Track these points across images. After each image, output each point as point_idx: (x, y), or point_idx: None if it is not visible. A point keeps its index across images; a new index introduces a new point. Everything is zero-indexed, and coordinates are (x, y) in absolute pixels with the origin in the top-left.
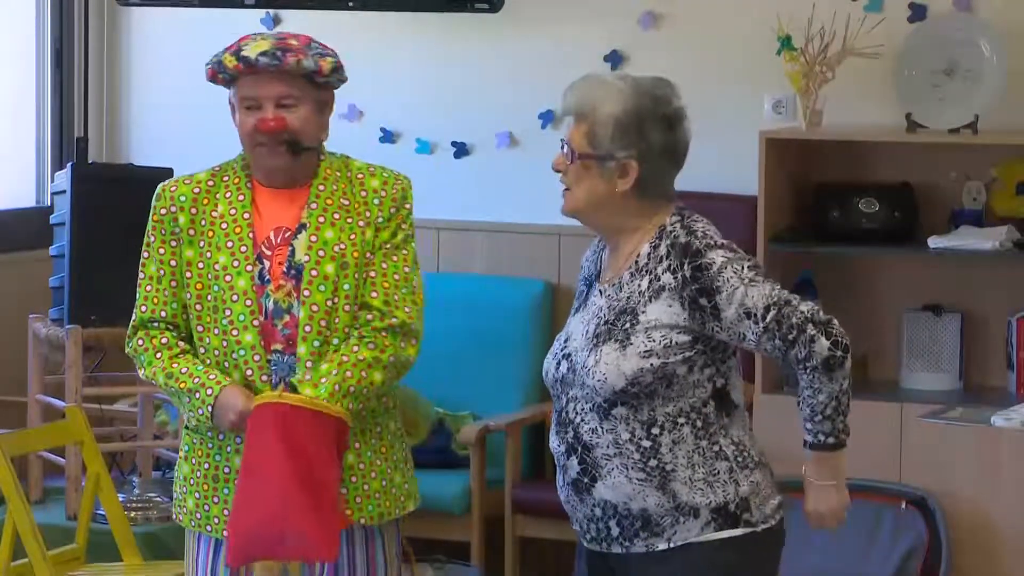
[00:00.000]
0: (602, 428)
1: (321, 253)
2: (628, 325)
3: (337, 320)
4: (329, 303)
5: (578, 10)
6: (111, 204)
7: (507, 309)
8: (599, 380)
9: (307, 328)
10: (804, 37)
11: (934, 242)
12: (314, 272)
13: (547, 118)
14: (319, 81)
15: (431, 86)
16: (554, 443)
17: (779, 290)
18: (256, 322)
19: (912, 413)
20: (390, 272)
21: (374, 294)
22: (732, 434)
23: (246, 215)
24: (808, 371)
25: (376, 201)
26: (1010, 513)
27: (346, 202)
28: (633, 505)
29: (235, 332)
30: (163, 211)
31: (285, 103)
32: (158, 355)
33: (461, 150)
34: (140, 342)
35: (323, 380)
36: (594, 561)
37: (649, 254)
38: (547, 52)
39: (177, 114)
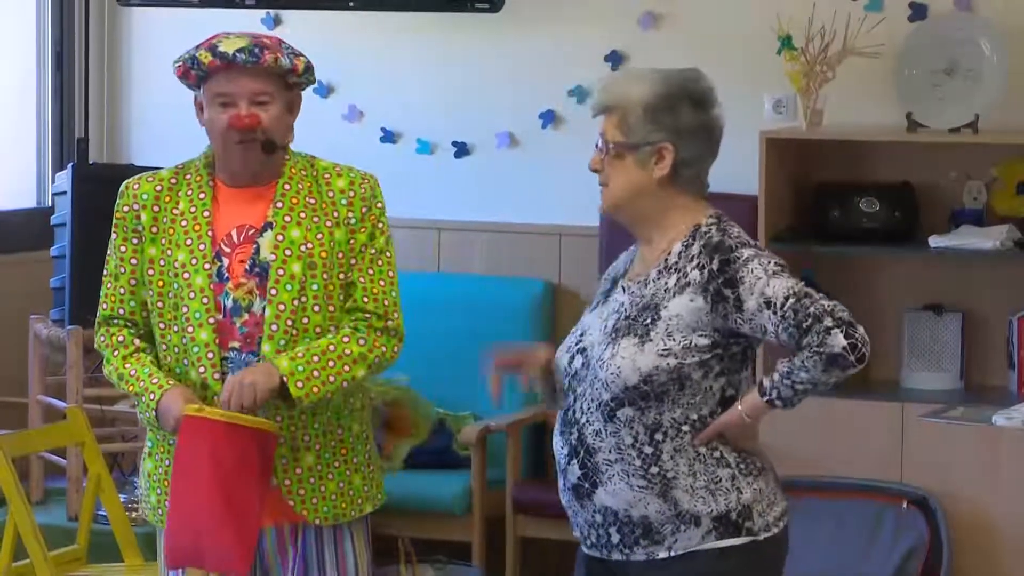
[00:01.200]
0: (606, 431)
1: (288, 252)
2: (649, 320)
3: (306, 320)
4: (296, 302)
5: (578, 10)
6: (112, 205)
7: (507, 309)
8: (612, 373)
9: (273, 327)
10: (804, 37)
11: (935, 241)
12: (280, 271)
13: (547, 118)
14: (291, 81)
15: (431, 86)
16: (557, 444)
17: (802, 284)
18: (212, 319)
19: (913, 413)
20: (377, 277)
21: (365, 299)
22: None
23: (206, 213)
24: (811, 354)
25: (344, 201)
26: (1011, 513)
27: (312, 201)
28: (634, 512)
29: (191, 329)
30: (125, 208)
31: (259, 100)
32: (115, 353)
33: (461, 150)
34: (102, 339)
35: (300, 357)
36: (594, 567)
37: (680, 252)
38: (547, 52)
39: (177, 114)
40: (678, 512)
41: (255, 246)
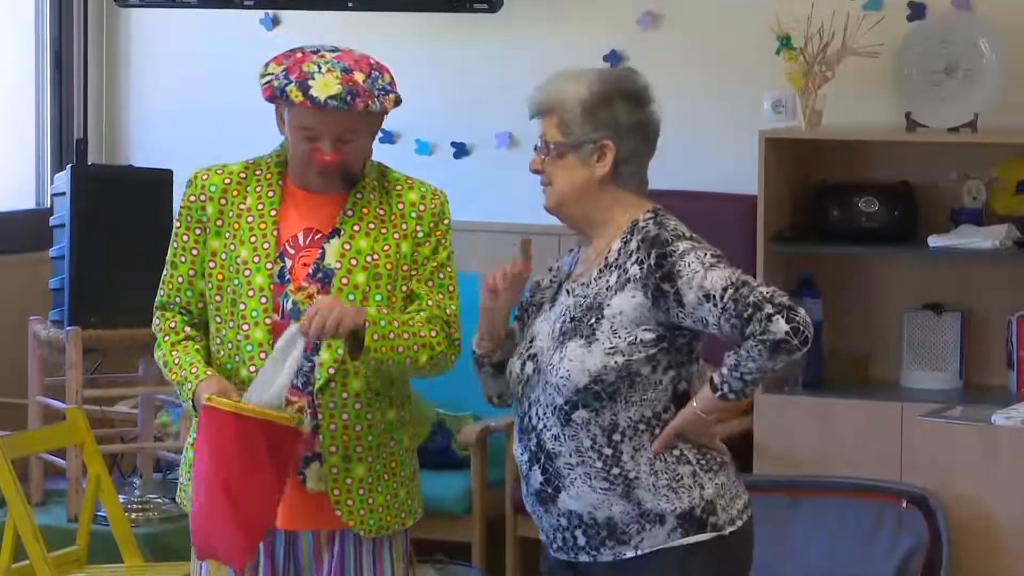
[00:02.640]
0: (564, 435)
1: (353, 261)
2: (593, 320)
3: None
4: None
5: (577, 10)
6: (111, 206)
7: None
8: (563, 377)
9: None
10: (803, 36)
11: (934, 241)
12: (344, 280)
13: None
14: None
15: (430, 86)
16: (517, 451)
17: (739, 273)
18: (268, 320)
19: (913, 412)
20: (437, 288)
21: (430, 303)
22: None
23: (273, 212)
24: (756, 343)
25: (414, 215)
26: (1011, 511)
27: (382, 212)
28: (598, 514)
29: (246, 327)
30: (192, 198)
31: (345, 137)
32: (165, 339)
33: (461, 150)
34: (156, 322)
35: (385, 315)
36: (561, 571)
37: (620, 250)
38: (546, 52)
39: (177, 115)
40: (642, 512)
41: (321, 251)
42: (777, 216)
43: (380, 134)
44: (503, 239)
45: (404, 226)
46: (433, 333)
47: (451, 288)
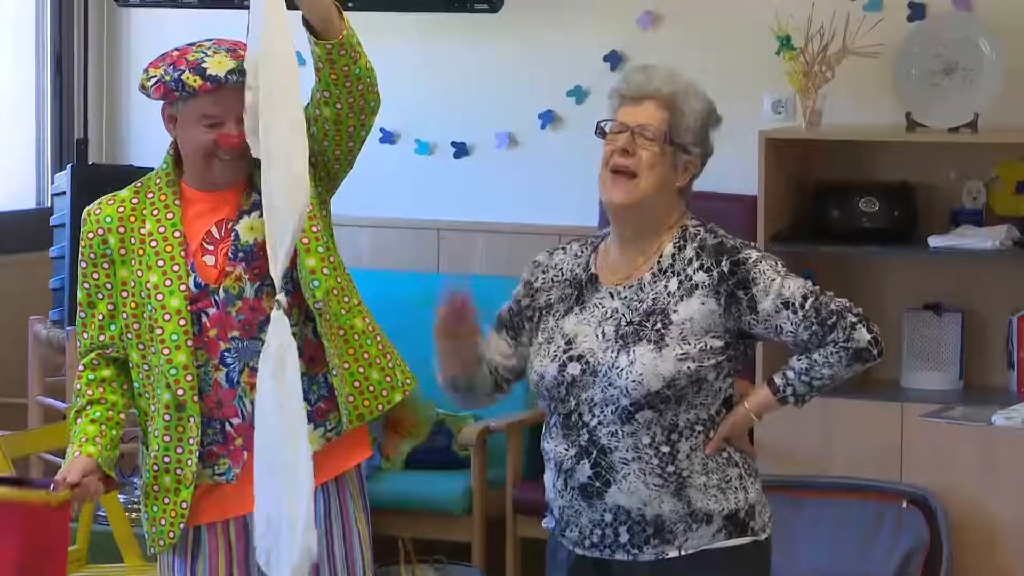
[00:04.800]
0: (623, 431)
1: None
2: (660, 326)
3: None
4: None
5: (577, 10)
6: None
7: None
8: (634, 381)
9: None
10: (803, 37)
11: (934, 241)
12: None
13: (546, 118)
14: None
15: (431, 86)
16: (559, 447)
17: (812, 283)
18: (189, 342)
19: (913, 412)
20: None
21: None
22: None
23: (176, 233)
24: (838, 349)
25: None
26: (1011, 511)
27: None
28: (648, 511)
29: (167, 351)
30: (91, 236)
31: (243, 117)
32: (77, 402)
33: (461, 150)
34: (78, 381)
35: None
36: (584, 569)
37: (674, 255)
38: (546, 52)
39: None
40: (691, 511)
41: (234, 234)
42: (777, 216)
43: (380, 133)
44: (503, 239)
45: None
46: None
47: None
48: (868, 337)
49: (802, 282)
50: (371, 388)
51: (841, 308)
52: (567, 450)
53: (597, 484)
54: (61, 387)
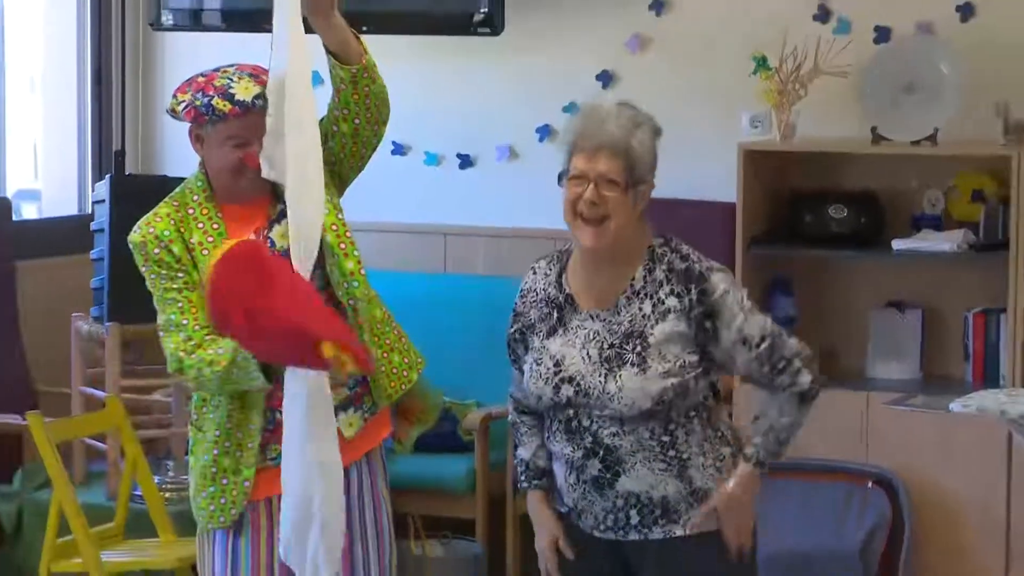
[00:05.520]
0: (623, 431)
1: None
2: (640, 348)
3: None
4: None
5: (572, 33)
6: (146, 212)
7: (507, 307)
8: (626, 404)
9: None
10: (778, 58)
11: (897, 244)
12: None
13: (544, 132)
14: None
15: (438, 103)
16: (565, 448)
17: (771, 323)
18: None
19: (878, 400)
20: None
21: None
22: (725, 419)
23: (224, 241)
24: (788, 395)
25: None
26: (967, 490)
27: None
28: (655, 493)
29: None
30: (156, 251)
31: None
32: (198, 358)
33: (465, 162)
34: (191, 370)
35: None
36: (598, 550)
37: (645, 278)
38: (544, 72)
39: None
40: (692, 490)
41: (270, 241)
42: (755, 222)
43: (391, 145)
44: (503, 243)
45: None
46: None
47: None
48: (809, 379)
49: (762, 322)
50: (394, 370)
51: (791, 355)
52: (574, 451)
53: (608, 476)
54: (101, 377)
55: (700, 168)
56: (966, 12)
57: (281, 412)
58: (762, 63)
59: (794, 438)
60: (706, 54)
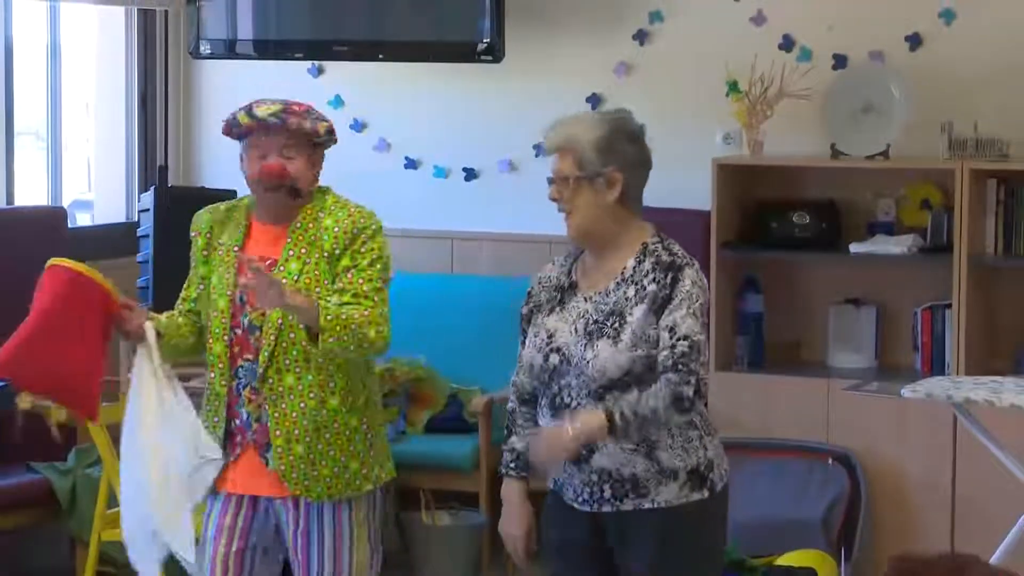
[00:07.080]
0: (596, 408)
1: (284, 280)
2: (617, 324)
3: (292, 335)
4: (280, 321)
5: (564, 61)
6: (186, 220)
7: (508, 304)
8: (599, 371)
9: (265, 340)
10: (748, 82)
11: (854, 248)
12: None
13: (540, 148)
14: (315, 141)
15: (446, 122)
16: (550, 424)
17: (702, 336)
18: (226, 337)
19: (837, 386)
20: (357, 277)
21: (347, 290)
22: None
23: (236, 248)
24: (667, 386)
25: (326, 237)
26: (917, 467)
27: (313, 238)
28: (624, 470)
29: (210, 340)
30: (193, 233)
31: (286, 154)
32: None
33: (470, 174)
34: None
35: (332, 304)
36: (579, 521)
37: (634, 267)
38: (540, 95)
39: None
40: (660, 469)
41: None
42: (727, 227)
43: (404, 160)
44: (505, 246)
45: (323, 247)
46: (366, 312)
47: (367, 284)
48: (690, 394)
49: (696, 327)
50: (347, 475)
51: (695, 369)
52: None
53: (584, 451)
54: None
55: (678, 180)
56: (914, 42)
57: (235, 422)
58: (733, 87)
59: (647, 428)
60: (684, 79)
